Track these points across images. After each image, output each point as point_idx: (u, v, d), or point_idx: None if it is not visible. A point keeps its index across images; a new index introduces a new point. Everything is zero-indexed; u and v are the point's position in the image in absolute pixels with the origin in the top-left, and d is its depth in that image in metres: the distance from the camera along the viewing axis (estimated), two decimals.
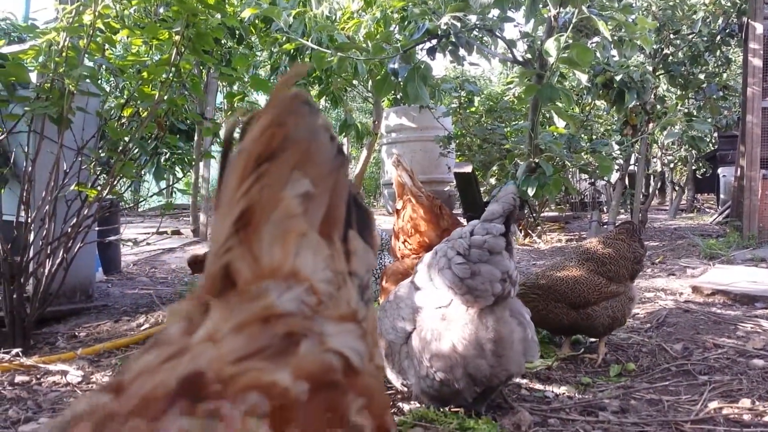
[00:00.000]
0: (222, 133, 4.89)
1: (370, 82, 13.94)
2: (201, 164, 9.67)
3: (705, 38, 10.07)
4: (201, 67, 8.30)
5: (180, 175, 10.00)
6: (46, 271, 4.17)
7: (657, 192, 15.74)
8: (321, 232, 0.88)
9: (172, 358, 0.71)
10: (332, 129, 0.93)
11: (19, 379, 3.41)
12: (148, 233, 7.74)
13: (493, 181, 10.51)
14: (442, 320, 2.76)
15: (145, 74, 4.18)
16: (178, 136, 7.62)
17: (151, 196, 7.85)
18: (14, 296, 4.04)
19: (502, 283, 2.68)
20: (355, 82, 13.45)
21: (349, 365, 0.78)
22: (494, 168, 9.67)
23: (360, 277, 0.94)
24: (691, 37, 10.01)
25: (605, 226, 9.99)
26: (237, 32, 8.97)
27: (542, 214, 11.99)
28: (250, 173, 0.82)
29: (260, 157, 0.83)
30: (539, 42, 5.18)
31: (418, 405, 3.11)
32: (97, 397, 0.70)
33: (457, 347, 2.69)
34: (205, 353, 0.71)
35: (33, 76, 4.14)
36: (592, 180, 11.17)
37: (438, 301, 2.80)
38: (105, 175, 4.47)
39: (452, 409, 3.01)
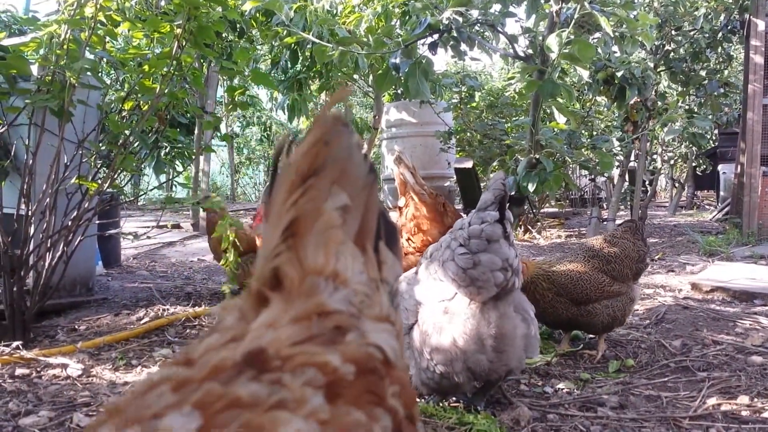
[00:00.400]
0: (222, 126, 4.91)
1: (370, 77, 13.92)
2: (201, 158, 9.66)
3: (706, 35, 10.06)
4: (201, 61, 8.29)
5: (180, 168, 10.00)
6: (47, 264, 4.17)
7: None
8: (356, 242, 1.01)
9: (234, 340, 0.84)
10: (364, 148, 1.07)
11: (19, 371, 3.41)
12: (148, 227, 7.75)
13: (492, 176, 10.49)
14: (444, 313, 2.76)
15: (146, 67, 4.18)
16: (178, 129, 7.61)
17: (152, 190, 7.86)
18: (14, 289, 4.04)
19: (503, 272, 2.67)
20: (355, 76, 13.42)
21: (386, 358, 0.90)
22: (495, 164, 9.67)
23: (390, 284, 1.06)
24: (692, 33, 10.00)
25: (605, 223, 10.00)
26: (238, 25, 8.96)
27: (542, 210, 11.99)
28: (297, 186, 0.94)
29: (306, 173, 0.94)
30: (541, 38, 5.17)
31: (417, 399, 3.11)
32: (170, 368, 0.81)
33: (458, 342, 2.69)
34: (266, 335, 0.84)
35: (34, 69, 4.14)
36: (592, 176, 11.17)
37: (441, 293, 2.80)
38: (105, 169, 4.47)
39: (451, 404, 3.02)
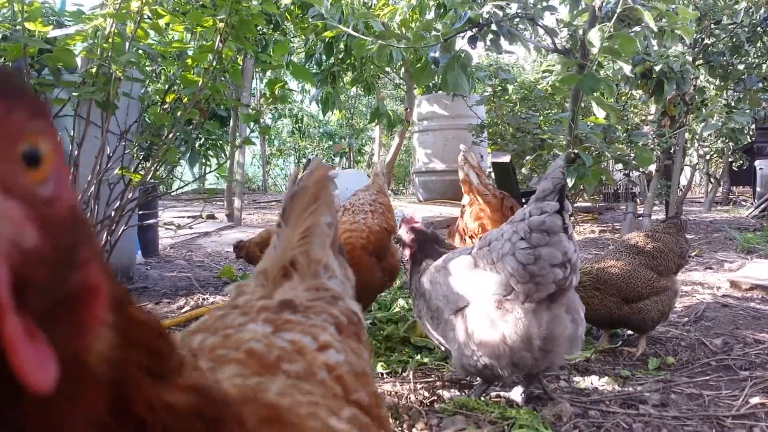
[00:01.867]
0: (259, 121, 4.96)
1: (402, 70, 13.90)
2: (236, 150, 9.74)
3: (746, 28, 9.86)
4: (238, 54, 8.35)
5: (214, 160, 10.07)
6: None
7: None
8: (331, 248, 1.51)
9: (263, 297, 1.30)
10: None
11: None
12: (183, 217, 7.84)
13: (525, 171, 10.43)
14: (497, 309, 2.74)
15: (189, 61, 4.23)
16: (213, 121, 7.67)
17: (194, 181, 7.96)
18: None
19: (562, 269, 2.64)
20: (387, 69, 13.43)
21: (359, 319, 1.39)
22: (528, 158, 9.60)
23: (352, 282, 1.59)
24: (732, 27, 9.81)
25: (640, 219, 9.89)
26: (273, 19, 9.01)
27: (575, 205, 11.89)
28: (311, 204, 1.47)
29: (315, 196, 1.49)
30: (581, 31, 5.13)
31: (458, 393, 3.13)
32: (224, 309, 1.26)
33: (508, 340, 2.69)
34: (290, 293, 1.31)
35: (77, 61, 4.20)
36: (626, 171, 11.05)
37: (495, 287, 2.77)
38: (146, 160, 4.54)
39: (493, 399, 3.03)
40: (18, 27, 3.74)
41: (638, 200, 13.23)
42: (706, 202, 16.13)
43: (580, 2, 5.30)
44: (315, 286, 1.34)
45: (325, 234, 1.46)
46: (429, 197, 13.02)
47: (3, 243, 0.45)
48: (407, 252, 3.37)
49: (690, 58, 9.16)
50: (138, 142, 4.44)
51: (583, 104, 8.26)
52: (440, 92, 12.73)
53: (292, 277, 1.36)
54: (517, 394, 3.02)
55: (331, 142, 26.75)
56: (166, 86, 4.52)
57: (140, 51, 4.31)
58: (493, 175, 6.77)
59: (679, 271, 4.01)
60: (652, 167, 9.52)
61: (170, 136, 4.36)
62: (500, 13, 5.01)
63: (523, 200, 5.06)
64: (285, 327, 1.13)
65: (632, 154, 7.29)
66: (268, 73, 12.59)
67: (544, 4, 5.45)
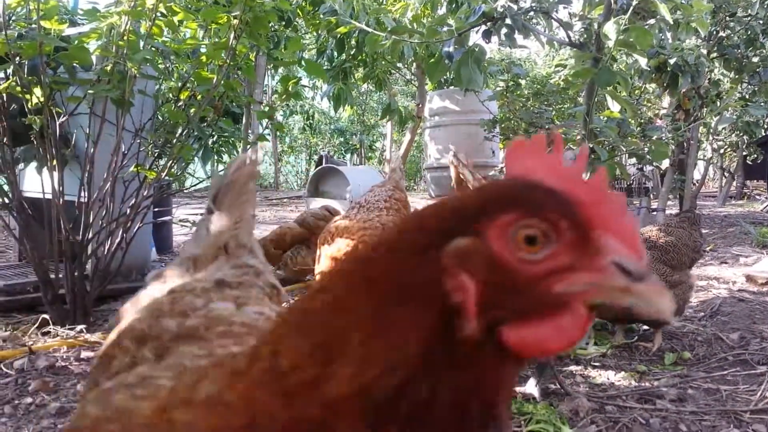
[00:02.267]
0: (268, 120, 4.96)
1: (413, 65, 13.87)
2: (249, 147, 9.75)
3: (761, 21, 9.77)
4: (251, 51, 8.36)
5: (227, 157, 10.10)
6: (106, 250, 4.28)
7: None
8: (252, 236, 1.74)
9: (197, 281, 1.43)
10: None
11: (84, 354, 3.52)
12: (198, 214, 7.86)
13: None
14: None
15: (203, 58, 4.23)
16: (226, 118, 7.69)
17: (207, 179, 7.99)
18: (75, 274, 4.15)
19: None
20: (399, 65, 13.40)
21: (279, 290, 1.55)
22: None
23: (270, 268, 1.71)
24: (747, 19, 9.72)
25: (654, 213, 9.83)
26: (285, 15, 9.01)
27: None
28: (241, 195, 1.65)
29: (245, 189, 1.67)
30: (596, 25, 5.10)
31: None
32: (167, 294, 1.39)
33: None
34: (218, 273, 1.47)
35: (92, 59, 4.21)
36: (640, 165, 10.97)
37: None
38: (160, 157, 4.56)
39: None
40: (34, 25, 3.76)
41: (652, 195, 13.15)
42: (720, 196, 16.02)
43: None
44: (238, 264, 1.53)
45: (250, 223, 1.68)
46: (441, 193, 12.98)
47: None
48: None
49: (705, 51, 9.08)
50: (152, 139, 4.45)
51: (596, 98, 8.21)
52: (452, 88, 12.69)
53: (218, 258, 1.56)
54: (532, 387, 3.01)
55: (342, 139, 26.79)
56: (180, 83, 4.52)
57: (154, 48, 4.32)
58: (506, 170, 6.74)
59: (693, 266, 3.98)
60: (666, 161, 9.45)
61: (184, 133, 4.38)
62: (515, 7, 4.98)
63: None
64: (239, 302, 1.34)
65: (646, 149, 7.24)
66: (280, 69, 12.62)
67: None
